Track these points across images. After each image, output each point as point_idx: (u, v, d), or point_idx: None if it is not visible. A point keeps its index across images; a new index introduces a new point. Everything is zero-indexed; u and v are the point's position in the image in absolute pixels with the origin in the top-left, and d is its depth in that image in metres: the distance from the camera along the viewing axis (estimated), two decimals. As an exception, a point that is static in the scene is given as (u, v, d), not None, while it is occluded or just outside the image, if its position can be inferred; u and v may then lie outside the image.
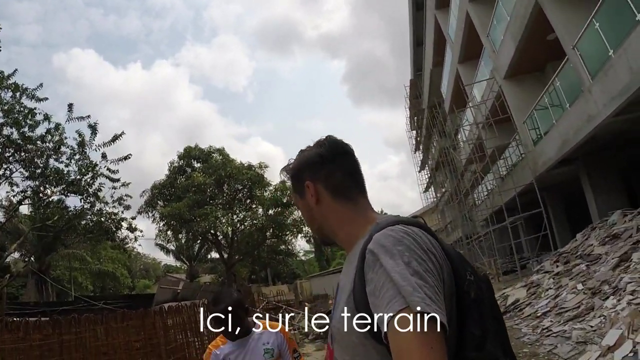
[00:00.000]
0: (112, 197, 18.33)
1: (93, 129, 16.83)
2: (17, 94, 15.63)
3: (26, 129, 15.81)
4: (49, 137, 16.22)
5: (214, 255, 34.37)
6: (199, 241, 31.34)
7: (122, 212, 19.08)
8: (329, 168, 1.38)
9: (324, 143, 1.42)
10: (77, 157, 16.88)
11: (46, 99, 16.18)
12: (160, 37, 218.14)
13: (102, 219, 18.67)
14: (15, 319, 11.78)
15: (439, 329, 0.99)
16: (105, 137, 17.44)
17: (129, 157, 17.86)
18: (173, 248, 33.00)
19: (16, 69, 15.89)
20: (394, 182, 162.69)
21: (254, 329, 2.99)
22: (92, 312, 10.91)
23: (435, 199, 37.94)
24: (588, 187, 14.11)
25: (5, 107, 15.33)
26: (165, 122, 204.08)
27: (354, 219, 1.35)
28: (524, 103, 16.41)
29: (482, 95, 20.46)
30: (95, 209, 18.14)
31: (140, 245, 47.31)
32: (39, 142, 16.13)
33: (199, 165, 29.63)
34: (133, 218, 20.17)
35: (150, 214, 28.96)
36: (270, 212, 28.73)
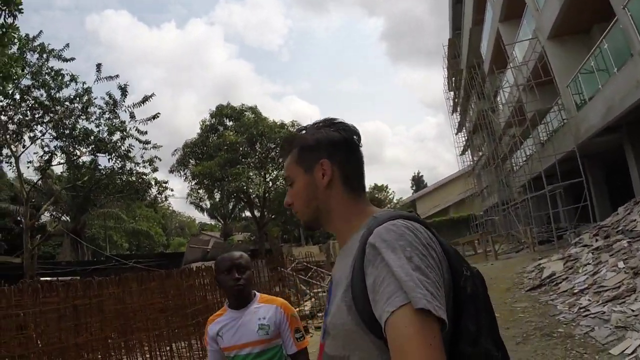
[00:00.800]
0: (142, 157, 18.50)
1: (123, 90, 17.03)
2: (44, 55, 15.76)
3: (54, 91, 15.93)
4: (77, 98, 16.38)
5: (248, 214, 34.34)
6: (232, 200, 31.27)
7: (152, 173, 19.31)
8: (348, 154, 1.38)
9: (346, 127, 1.42)
10: (106, 116, 17.03)
11: (73, 59, 16.57)
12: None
13: (133, 179, 18.90)
14: (46, 279, 11.94)
15: (438, 326, 1.00)
16: (140, 98, 17.46)
17: (157, 116, 18.06)
18: (207, 206, 33.09)
19: (41, 31, 16.10)
20: (431, 143, 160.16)
21: (253, 302, 2.79)
22: (123, 271, 10.98)
23: (471, 163, 37.10)
24: (632, 158, 13.42)
25: (33, 70, 15.45)
26: (200, 81, 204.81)
27: (354, 211, 1.34)
28: (568, 66, 15.62)
29: (524, 56, 19.60)
30: (126, 169, 18.35)
31: (170, 204, 48.06)
32: (67, 103, 16.30)
33: (231, 123, 29.37)
34: (165, 182, 20.38)
35: (182, 173, 29.07)
36: None
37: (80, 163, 18.36)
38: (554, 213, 18.08)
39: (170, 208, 58.07)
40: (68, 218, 29.33)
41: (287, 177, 1.45)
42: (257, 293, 2.88)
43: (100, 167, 18.45)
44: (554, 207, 18.26)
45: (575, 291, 8.73)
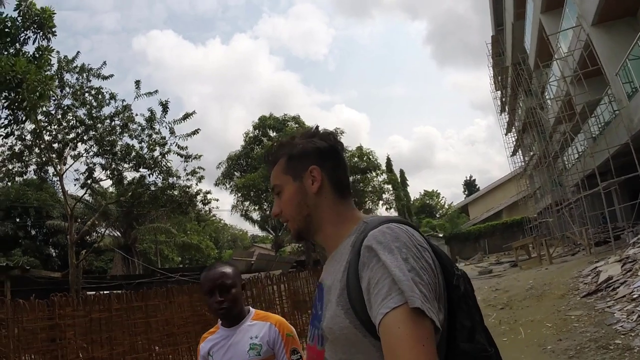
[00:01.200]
0: (184, 170, 18.67)
1: (164, 106, 17.22)
2: (84, 75, 16.30)
3: (95, 109, 16.53)
4: (118, 115, 16.84)
5: (297, 225, 34.37)
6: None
7: (197, 184, 19.58)
8: (335, 161, 1.43)
9: (330, 136, 1.47)
10: (146, 132, 17.27)
11: (112, 75, 17.06)
12: (236, 13, 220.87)
13: (175, 192, 18.99)
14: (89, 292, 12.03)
15: (431, 326, 1.04)
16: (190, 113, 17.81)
17: (198, 132, 18.24)
18: (258, 218, 33.09)
19: (78, 52, 16.72)
20: (481, 146, 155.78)
21: (246, 319, 2.54)
22: (168, 284, 11.19)
23: (523, 163, 35.75)
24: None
25: (72, 90, 16.10)
26: (248, 94, 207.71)
27: (345, 217, 1.38)
28: (616, 52, 14.65)
29: (569, 47, 18.52)
30: (168, 183, 18.45)
31: (221, 218, 48.41)
32: (107, 120, 16.78)
33: (274, 134, 29.31)
34: (208, 192, 20.45)
35: (228, 186, 29.14)
36: (351, 179, 27.90)
37: (126, 179, 18.71)
38: (610, 212, 16.98)
39: (223, 221, 58.61)
40: (118, 233, 29.97)
41: (274, 187, 1.46)
42: (251, 309, 2.63)
43: (146, 182, 18.60)
44: (609, 205, 17.12)
45: (635, 296, 8.02)
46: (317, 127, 1.49)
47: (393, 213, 53.79)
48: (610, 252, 13.94)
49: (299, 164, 1.40)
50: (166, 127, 17.50)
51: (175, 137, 17.56)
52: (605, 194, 16.58)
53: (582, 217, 19.29)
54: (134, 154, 17.15)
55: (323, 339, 1.27)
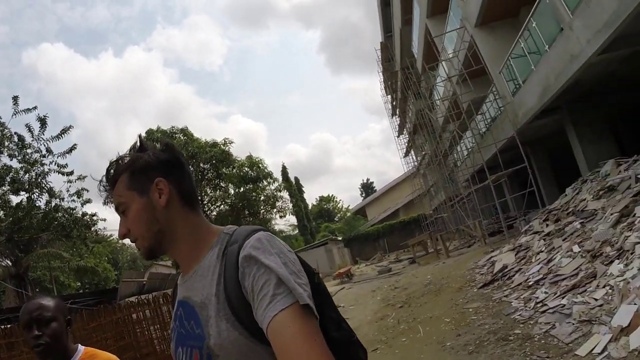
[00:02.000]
0: (67, 191, 17.44)
1: (42, 121, 15.98)
2: None
3: None
4: None
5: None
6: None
7: (82, 206, 18.34)
8: (180, 171, 1.37)
9: (171, 146, 1.40)
10: (25, 151, 16.07)
11: None
12: (130, 24, 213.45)
13: (59, 215, 17.72)
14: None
15: (317, 323, 1.09)
16: (83, 130, 16.77)
17: (75, 148, 17.31)
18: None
19: None
20: (377, 149, 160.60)
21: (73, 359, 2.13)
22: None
23: (416, 163, 36.98)
24: (574, 137, 13.03)
25: None
26: (144, 108, 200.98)
27: (199, 229, 1.33)
28: (499, 52, 15.34)
29: (454, 48, 19.27)
30: (50, 206, 17.22)
31: (111, 236, 45.68)
32: None
33: (162, 147, 28.21)
34: (93, 215, 19.21)
35: (117, 204, 27.80)
36: (242, 189, 27.71)
37: (11, 203, 17.15)
38: (502, 203, 17.83)
39: (121, 241, 55.78)
40: (9, 262, 27.67)
41: (118, 205, 1.34)
42: (81, 347, 2.19)
43: (23, 206, 17.18)
44: (500, 197, 17.99)
45: (530, 283, 8.10)
46: (140, 136, 1.41)
47: (290, 220, 54.07)
48: (504, 242, 14.53)
49: (143, 177, 1.32)
50: (44, 145, 16.46)
51: (54, 155, 16.57)
52: (495, 186, 17.30)
53: (475, 210, 20.05)
54: (10, 175, 15.96)
55: (210, 358, 1.20)
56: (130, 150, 1.39)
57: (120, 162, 1.37)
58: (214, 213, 27.95)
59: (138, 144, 1.39)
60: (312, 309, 1.08)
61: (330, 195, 72.08)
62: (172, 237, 1.31)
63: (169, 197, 1.30)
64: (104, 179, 1.39)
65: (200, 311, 1.23)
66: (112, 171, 1.37)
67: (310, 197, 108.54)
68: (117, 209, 1.37)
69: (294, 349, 1.02)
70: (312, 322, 1.07)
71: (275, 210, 29.19)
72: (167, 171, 1.33)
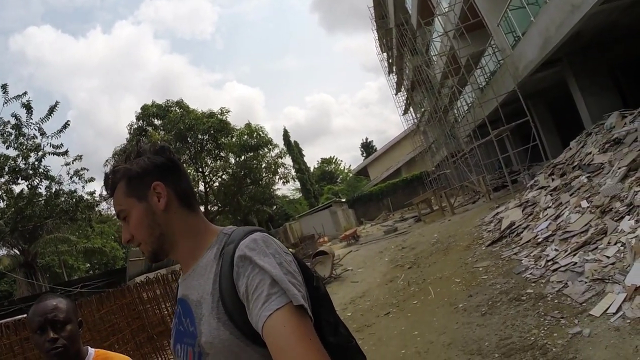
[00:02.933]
0: (68, 174, 17.40)
1: (27, 107, 15.85)
2: None
3: None
4: None
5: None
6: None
7: (83, 187, 18.38)
8: (176, 173, 1.38)
9: (164, 150, 1.41)
10: (19, 140, 15.98)
11: None
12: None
13: (61, 199, 17.69)
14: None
15: (312, 324, 1.11)
16: (79, 112, 16.57)
17: (68, 125, 17.15)
18: (162, 207, 31.80)
19: None
20: (376, 107, 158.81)
21: None
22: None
23: (415, 120, 36.73)
24: (576, 90, 12.86)
25: None
26: (137, 83, 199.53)
27: (199, 230, 1.35)
28: (496, 4, 15.00)
29: (449, 2, 18.85)
30: (51, 192, 17.20)
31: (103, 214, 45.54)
32: None
33: (159, 122, 28.09)
34: (92, 193, 19.21)
35: (118, 183, 27.82)
36: (243, 157, 27.62)
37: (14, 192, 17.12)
38: (505, 157, 17.78)
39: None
40: (17, 251, 27.72)
41: (120, 212, 1.36)
42: (90, 349, 2.13)
43: (24, 195, 17.17)
44: (503, 151, 17.92)
45: (539, 240, 8.05)
46: (137, 142, 1.44)
47: (293, 185, 54.05)
48: (509, 196, 14.52)
49: (140, 183, 1.34)
50: (34, 129, 16.35)
51: (47, 137, 16.50)
52: (498, 141, 17.18)
53: (478, 166, 20.01)
54: (9, 164, 15.89)
55: (201, 356, 1.22)
56: (126, 158, 1.40)
57: (116, 170, 1.39)
58: (216, 183, 27.90)
59: (134, 152, 1.40)
60: (307, 309, 1.10)
61: (332, 156, 71.97)
62: (173, 240, 1.34)
63: (168, 200, 1.33)
64: (105, 186, 1.42)
65: (196, 309, 1.26)
66: (109, 180, 1.39)
67: (311, 159, 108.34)
68: (118, 216, 1.39)
69: (290, 348, 1.03)
70: (307, 321, 1.09)
71: (277, 176, 29.18)
72: (164, 175, 1.35)
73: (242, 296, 1.15)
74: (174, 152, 1.42)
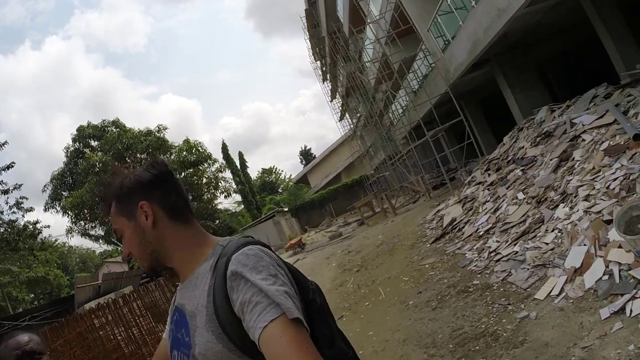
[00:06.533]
0: (7, 204, 16.82)
1: None
2: None
3: None
4: None
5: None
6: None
7: (24, 217, 17.75)
8: (164, 188, 1.38)
9: (153, 164, 1.42)
10: None
11: None
12: (45, 12, 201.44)
13: (1, 230, 17.03)
14: None
15: (308, 333, 1.12)
16: (8, 133, 15.89)
17: (12, 166, 16.70)
18: (102, 233, 30.66)
19: None
20: (312, 114, 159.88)
21: None
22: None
23: (352, 125, 37.23)
24: (506, 88, 13.50)
25: None
26: (70, 99, 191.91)
27: (193, 242, 1.37)
28: (426, 9, 15.48)
29: (380, 9, 19.31)
30: None
31: (56, 241, 43.76)
32: None
33: (95, 143, 27.35)
34: (35, 222, 18.53)
35: (58, 208, 26.83)
36: (183, 174, 27.22)
37: None
38: (442, 157, 18.29)
39: (67, 244, 53.27)
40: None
41: (116, 230, 1.41)
42: None
43: None
44: (440, 151, 18.45)
45: (481, 233, 8.38)
46: (115, 164, 1.44)
47: (235, 198, 53.47)
48: (448, 194, 14.93)
49: (127, 203, 1.37)
50: None
51: None
52: (434, 141, 17.67)
53: (417, 166, 20.44)
54: None
55: None
56: (112, 175, 1.43)
57: (108, 186, 1.42)
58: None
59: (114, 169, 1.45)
60: (302, 321, 1.12)
61: (272, 166, 71.76)
62: (167, 254, 1.36)
63: (155, 218, 1.35)
64: (100, 202, 1.46)
65: (190, 320, 1.28)
66: (102, 203, 1.44)
67: (252, 169, 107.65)
68: (115, 234, 1.45)
69: (287, 357, 1.04)
70: (302, 331, 1.10)
71: (219, 191, 28.95)
72: (149, 192, 1.36)
73: (237, 311, 1.16)
74: (167, 165, 1.43)
